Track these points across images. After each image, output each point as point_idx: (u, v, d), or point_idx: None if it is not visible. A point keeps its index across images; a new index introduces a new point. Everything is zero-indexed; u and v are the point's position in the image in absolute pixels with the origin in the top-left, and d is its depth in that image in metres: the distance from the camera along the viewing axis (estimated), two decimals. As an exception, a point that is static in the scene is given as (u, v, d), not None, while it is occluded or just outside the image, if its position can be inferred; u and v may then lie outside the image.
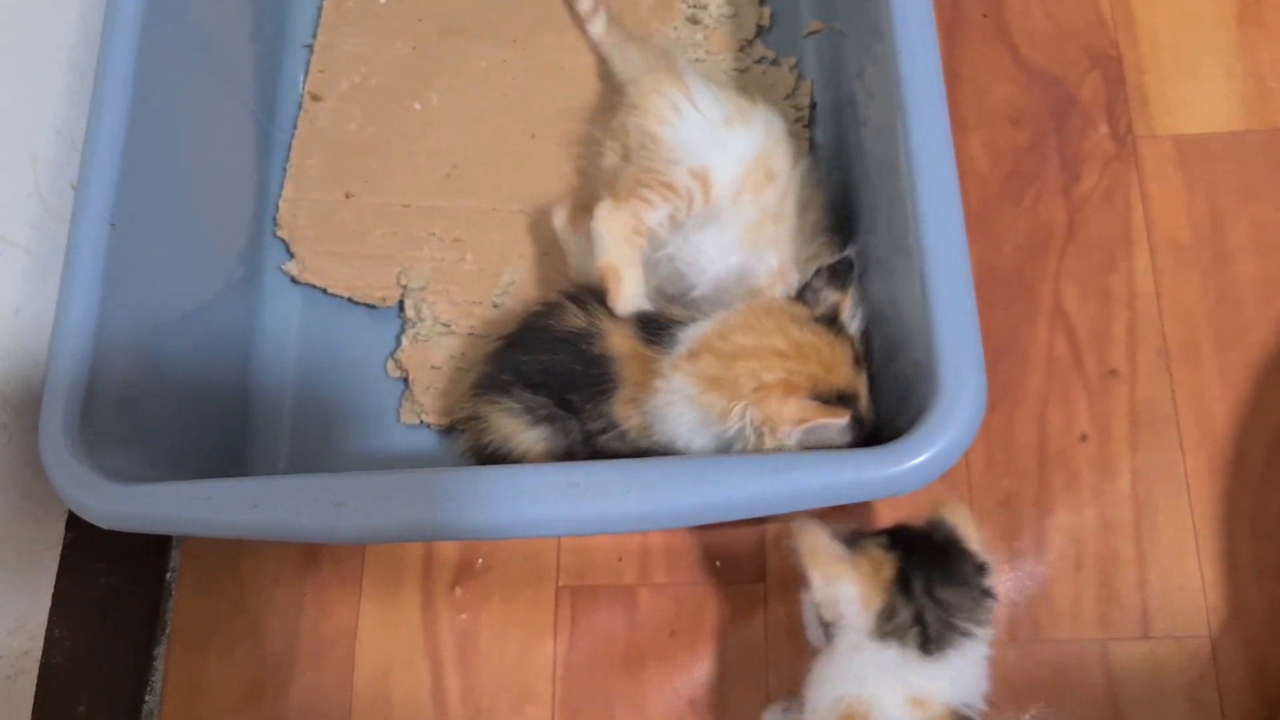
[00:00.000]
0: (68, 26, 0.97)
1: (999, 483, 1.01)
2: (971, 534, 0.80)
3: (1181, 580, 0.97)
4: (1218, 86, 1.11)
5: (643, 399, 0.89)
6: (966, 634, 0.77)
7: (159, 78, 0.97)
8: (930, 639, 0.76)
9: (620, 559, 1.02)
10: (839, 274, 0.90)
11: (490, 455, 0.93)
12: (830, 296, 0.89)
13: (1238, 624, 0.95)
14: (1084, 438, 1.02)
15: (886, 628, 0.76)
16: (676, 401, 0.86)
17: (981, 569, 0.79)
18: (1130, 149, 1.11)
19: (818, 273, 0.90)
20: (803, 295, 0.90)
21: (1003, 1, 1.17)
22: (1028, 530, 0.99)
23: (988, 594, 0.79)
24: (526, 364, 0.93)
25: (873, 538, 0.80)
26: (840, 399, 0.85)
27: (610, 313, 0.92)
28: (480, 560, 1.03)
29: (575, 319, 0.93)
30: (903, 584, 0.77)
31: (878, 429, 0.88)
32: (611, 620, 1.01)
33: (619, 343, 0.91)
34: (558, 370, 0.92)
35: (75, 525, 0.96)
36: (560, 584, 1.02)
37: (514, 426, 0.92)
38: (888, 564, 0.77)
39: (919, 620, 0.76)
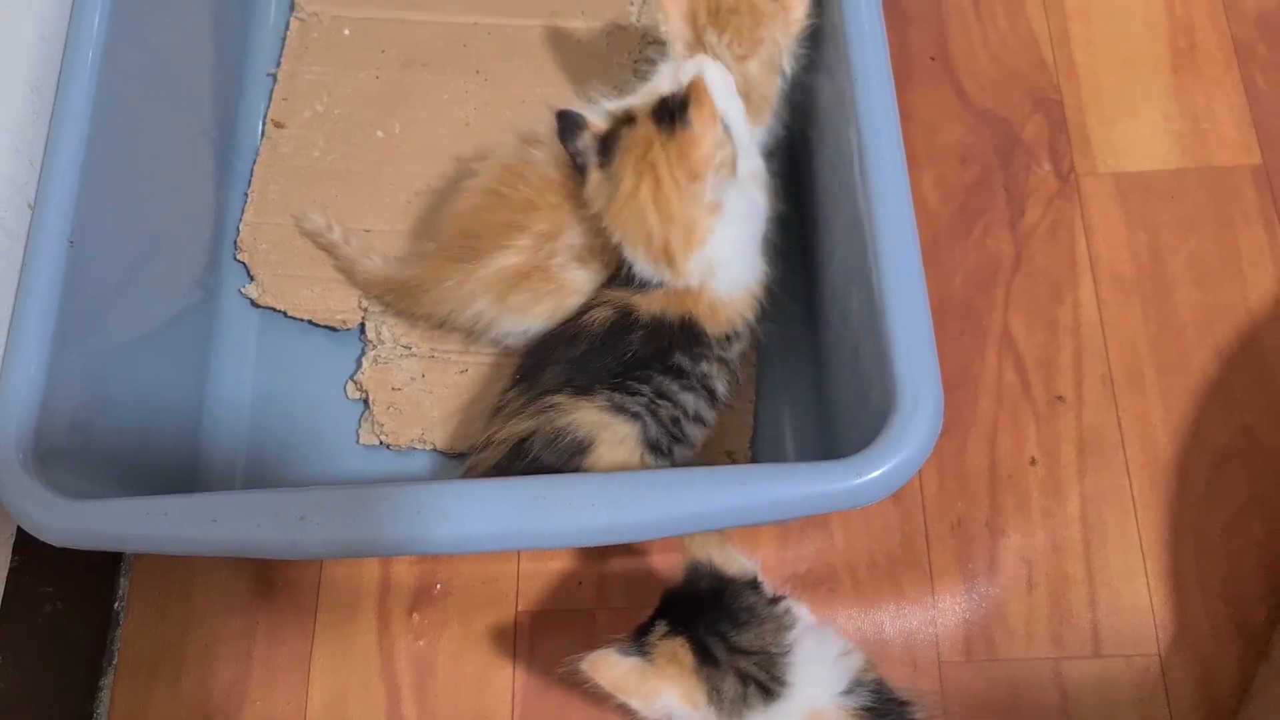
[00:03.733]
0: (28, 47, 0.96)
1: (952, 505, 1.03)
2: (726, 557, 0.79)
3: (1131, 600, 0.99)
4: (1155, 127, 1.16)
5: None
6: (786, 651, 0.76)
7: (119, 101, 0.97)
8: (767, 684, 0.75)
9: (579, 583, 1.02)
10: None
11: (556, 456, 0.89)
12: None
13: (1185, 642, 0.97)
14: (1033, 462, 1.04)
15: (726, 706, 0.74)
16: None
17: (756, 585, 0.79)
18: (1073, 185, 1.15)
19: None
20: None
21: (949, 46, 1.21)
22: (980, 552, 1.01)
23: (775, 601, 0.79)
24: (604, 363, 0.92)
25: (654, 629, 0.77)
26: None
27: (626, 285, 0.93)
28: (438, 586, 1.02)
29: (604, 313, 0.93)
30: (706, 658, 0.75)
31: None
32: (570, 644, 1.00)
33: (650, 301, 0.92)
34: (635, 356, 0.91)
35: (22, 549, 0.94)
36: (519, 609, 1.01)
37: (602, 418, 0.90)
38: (682, 650, 0.75)
39: (745, 678, 0.75)
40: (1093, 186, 1.15)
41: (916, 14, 1.23)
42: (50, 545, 0.82)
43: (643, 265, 0.91)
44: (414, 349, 1.07)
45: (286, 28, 1.23)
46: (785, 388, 1.06)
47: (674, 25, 0.97)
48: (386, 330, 1.08)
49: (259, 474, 1.06)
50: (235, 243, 1.13)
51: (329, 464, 1.05)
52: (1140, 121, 1.17)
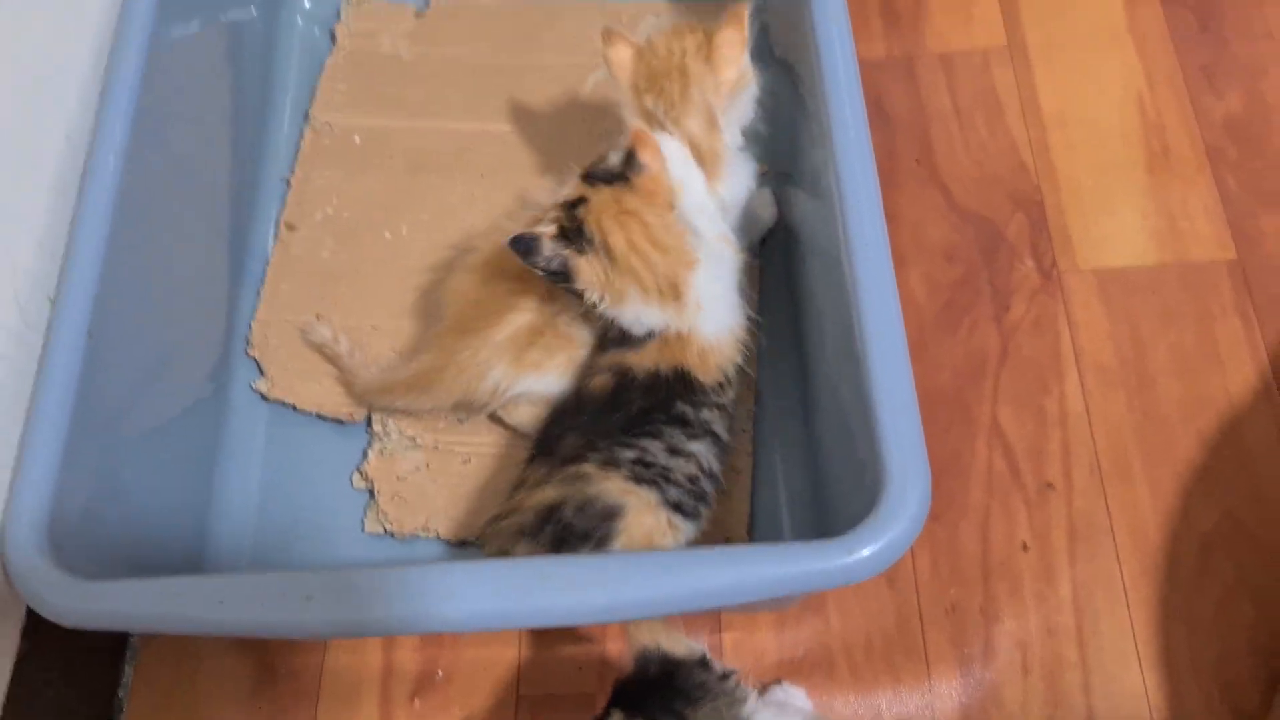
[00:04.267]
0: (55, 148, 1.01)
1: (946, 591, 1.05)
2: (672, 641, 0.81)
3: (1125, 684, 1.00)
4: (1133, 225, 1.21)
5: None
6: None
7: (139, 202, 1.02)
8: None
9: (580, 668, 1.03)
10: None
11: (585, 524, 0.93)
12: None
13: (1180, 726, 0.98)
14: (1025, 548, 1.06)
15: None
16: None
17: (705, 663, 0.80)
18: (1056, 282, 1.19)
19: None
20: None
21: (933, 149, 1.27)
22: (975, 636, 1.02)
23: (726, 676, 0.80)
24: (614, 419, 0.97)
25: (610, 716, 0.78)
26: None
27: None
28: (440, 672, 1.03)
29: (603, 379, 0.98)
30: None
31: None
32: (571, 730, 1.01)
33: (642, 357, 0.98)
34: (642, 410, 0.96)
35: (31, 634, 0.95)
36: (520, 693, 1.02)
37: (627, 486, 0.93)
38: None
39: None
40: (1075, 282, 1.19)
41: (901, 120, 1.29)
42: (58, 631, 0.84)
43: (650, 312, 0.97)
44: (418, 440, 1.10)
45: (301, 136, 1.29)
46: (782, 476, 1.09)
47: (624, 96, 1.05)
48: (392, 423, 1.11)
49: (265, 561, 1.08)
50: (247, 339, 1.17)
51: (334, 552, 1.07)
52: (1118, 220, 1.22)
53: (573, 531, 0.92)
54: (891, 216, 1.16)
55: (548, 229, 0.97)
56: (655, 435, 0.96)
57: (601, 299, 0.97)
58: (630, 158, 0.97)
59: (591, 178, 0.98)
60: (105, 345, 0.95)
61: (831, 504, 0.99)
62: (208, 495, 1.10)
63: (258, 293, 1.20)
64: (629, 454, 0.95)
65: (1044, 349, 1.16)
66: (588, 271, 0.96)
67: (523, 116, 1.28)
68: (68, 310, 0.94)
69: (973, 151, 1.27)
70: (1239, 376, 1.12)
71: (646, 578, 0.81)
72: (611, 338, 1.00)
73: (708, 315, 0.98)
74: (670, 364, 0.97)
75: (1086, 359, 1.15)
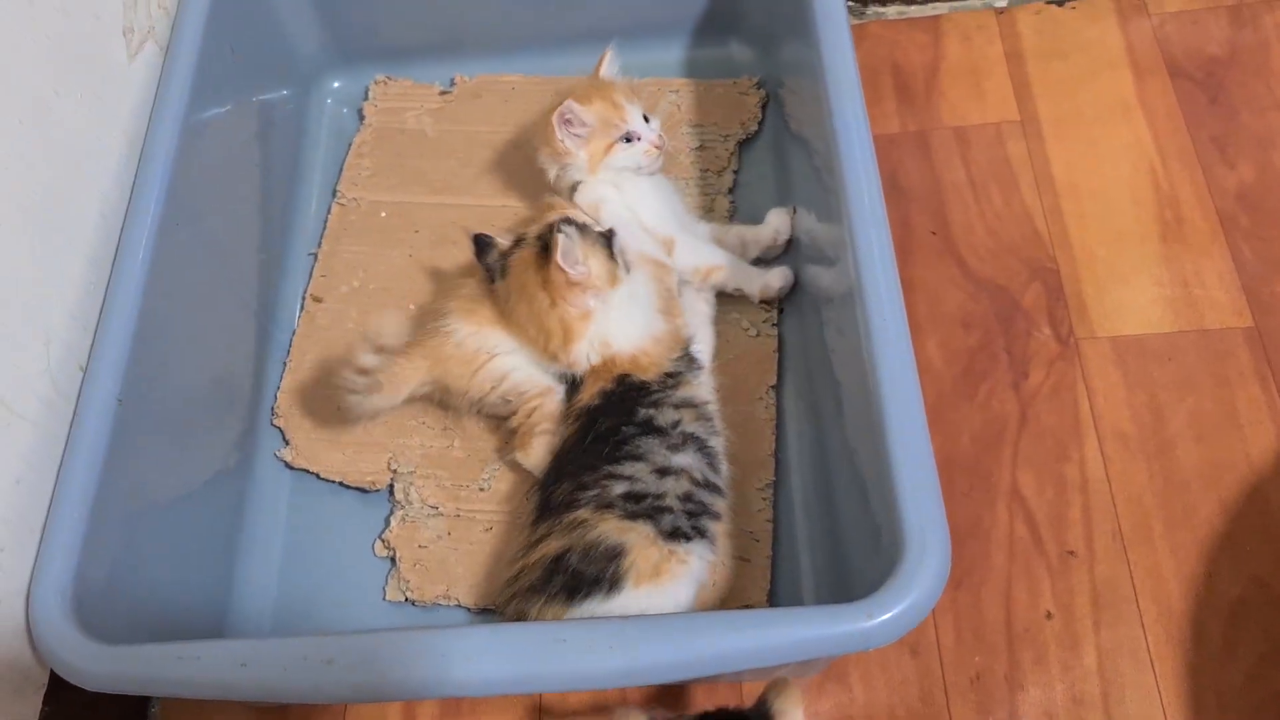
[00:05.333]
0: (90, 223, 1.04)
1: (970, 659, 1.04)
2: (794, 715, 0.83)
3: (1153, 754, 0.98)
4: (1148, 293, 1.22)
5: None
6: None
7: (170, 275, 1.05)
8: None
9: (600, 737, 1.02)
10: None
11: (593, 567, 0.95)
12: None
13: (1212, 798, 0.96)
14: (1049, 615, 1.05)
15: None
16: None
17: None
18: (1073, 349, 1.20)
19: None
20: None
21: (948, 220, 1.29)
22: (1000, 706, 1.01)
23: None
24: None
25: None
26: None
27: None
28: (459, 737, 1.03)
29: (572, 426, 1.05)
30: None
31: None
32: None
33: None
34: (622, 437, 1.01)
35: (52, 699, 0.96)
36: (539, 763, 1.01)
37: (623, 524, 0.96)
38: None
39: None
40: (1092, 350, 1.19)
41: (916, 192, 1.31)
42: (80, 695, 0.85)
43: (537, 359, 1.08)
44: (440, 508, 1.11)
45: (328, 212, 1.32)
46: (802, 543, 1.09)
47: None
48: (414, 491, 1.12)
49: (286, 627, 1.08)
50: (272, 408, 1.19)
51: (355, 619, 1.08)
52: (1134, 288, 1.22)
53: (583, 578, 0.94)
54: (908, 286, 1.19)
55: (502, 243, 1.10)
56: (637, 456, 0.99)
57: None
58: (546, 244, 1.04)
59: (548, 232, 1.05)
60: (134, 414, 0.97)
61: (852, 571, 0.99)
62: (230, 562, 1.11)
63: (284, 363, 1.22)
64: (619, 488, 0.97)
65: (1063, 416, 1.16)
66: (497, 296, 1.09)
67: (542, 192, 1.30)
68: (98, 379, 0.97)
69: (988, 222, 1.28)
70: (1260, 442, 1.12)
71: (665, 641, 0.81)
72: (569, 389, 1.09)
73: (619, 342, 1.06)
74: (610, 379, 1.05)
75: (1105, 425, 1.15)
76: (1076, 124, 1.35)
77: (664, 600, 0.94)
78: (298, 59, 1.38)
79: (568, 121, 1.14)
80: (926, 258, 1.27)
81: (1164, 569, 1.06)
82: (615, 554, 0.94)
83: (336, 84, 1.44)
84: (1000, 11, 1.45)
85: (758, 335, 1.19)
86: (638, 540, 0.95)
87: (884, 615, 0.79)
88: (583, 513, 0.97)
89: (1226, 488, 1.10)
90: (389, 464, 1.14)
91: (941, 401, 1.18)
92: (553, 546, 0.96)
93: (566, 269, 1.01)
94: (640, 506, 0.96)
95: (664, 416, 1.02)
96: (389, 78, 1.42)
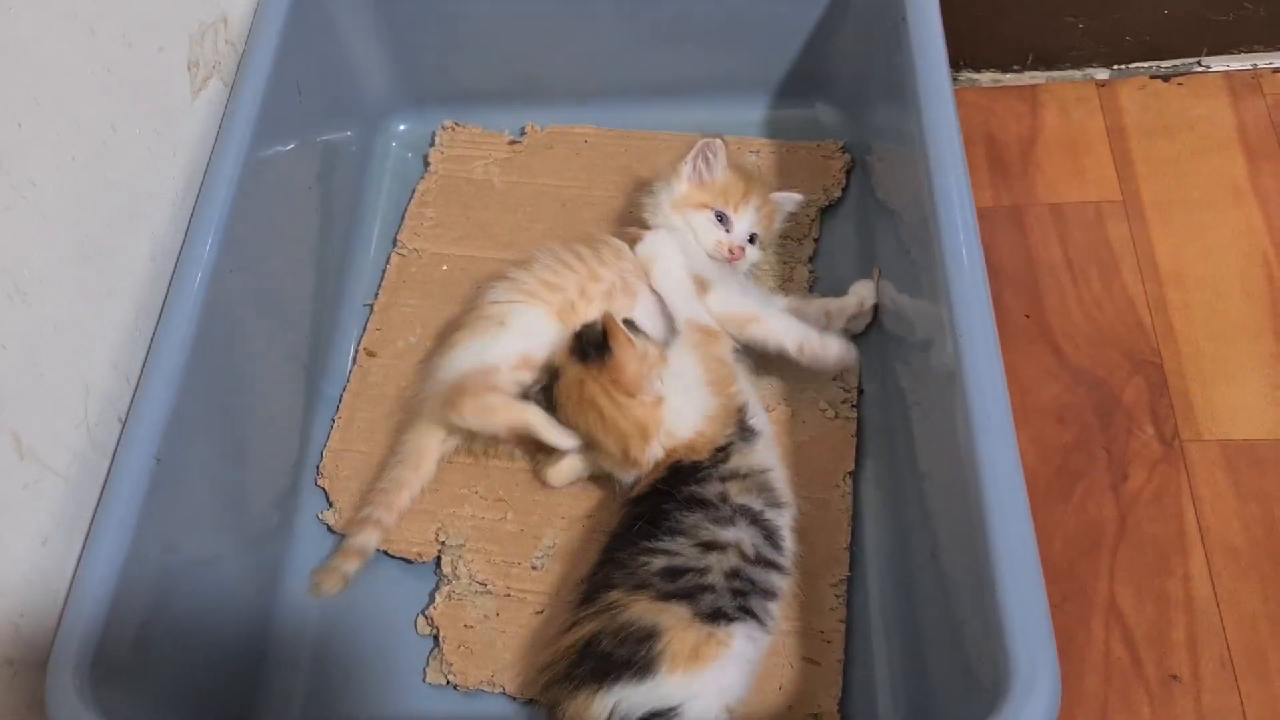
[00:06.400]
0: (139, 265, 0.99)
1: (1061, 794, 0.94)
2: None
3: None
4: (1261, 395, 1.13)
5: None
6: None
7: (220, 324, 0.99)
8: None
9: None
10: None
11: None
12: None
13: None
14: (1150, 749, 0.96)
15: None
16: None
17: None
18: (1178, 452, 1.11)
19: None
20: None
21: (1044, 303, 1.21)
22: None
23: None
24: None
25: None
26: None
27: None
28: None
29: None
30: None
31: None
32: None
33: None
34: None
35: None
36: None
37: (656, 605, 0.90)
38: None
39: None
40: (1198, 453, 1.10)
41: (1010, 272, 1.23)
42: (95, 781, 0.78)
43: (620, 474, 1.01)
44: (490, 586, 1.04)
45: (387, 261, 1.26)
46: (879, 647, 1.00)
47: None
48: (463, 566, 1.04)
49: (317, 705, 1.01)
50: (318, 468, 1.13)
51: (392, 701, 1.00)
52: (1245, 389, 1.13)
53: (612, 661, 0.87)
54: (999, 373, 1.11)
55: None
56: (680, 531, 0.92)
57: None
58: (601, 342, 0.99)
59: (579, 342, 1.01)
60: (171, 473, 0.91)
61: (935, 689, 0.90)
62: (264, 629, 1.05)
63: (332, 420, 1.16)
64: (656, 563, 0.91)
65: (1166, 525, 1.07)
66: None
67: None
68: (137, 435, 0.91)
69: (1086, 307, 1.20)
70: (1389, 567, 1.03)
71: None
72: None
73: (679, 429, 0.99)
74: (664, 467, 0.99)
75: (1213, 538, 1.05)
76: (1183, 207, 1.27)
77: (706, 685, 0.87)
78: (364, 99, 1.33)
79: (708, 156, 1.10)
80: (1019, 343, 1.19)
81: (1280, 705, 0.97)
82: (649, 635, 0.87)
83: (402, 127, 1.38)
84: (1102, 84, 1.37)
85: (835, 417, 1.11)
86: (673, 622, 0.88)
87: (987, 758, 0.71)
88: (616, 594, 0.91)
89: (1352, 617, 1.00)
90: (437, 534, 1.07)
91: (1033, 501, 1.05)
92: (585, 630, 0.90)
93: (627, 353, 0.98)
94: (678, 585, 0.90)
95: (709, 490, 0.95)
96: (457, 123, 1.36)
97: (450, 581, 1.04)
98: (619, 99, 1.33)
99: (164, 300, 0.98)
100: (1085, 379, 1.16)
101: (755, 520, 0.94)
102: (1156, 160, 1.30)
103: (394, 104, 1.36)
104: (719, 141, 1.11)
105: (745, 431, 1.00)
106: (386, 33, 1.28)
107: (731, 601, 0.90)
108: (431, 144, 1.35)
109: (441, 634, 1.02)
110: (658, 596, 0.89)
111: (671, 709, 0.85)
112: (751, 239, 1.12)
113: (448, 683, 1.00)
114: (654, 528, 0.93)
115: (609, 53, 1.30)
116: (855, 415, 1.11)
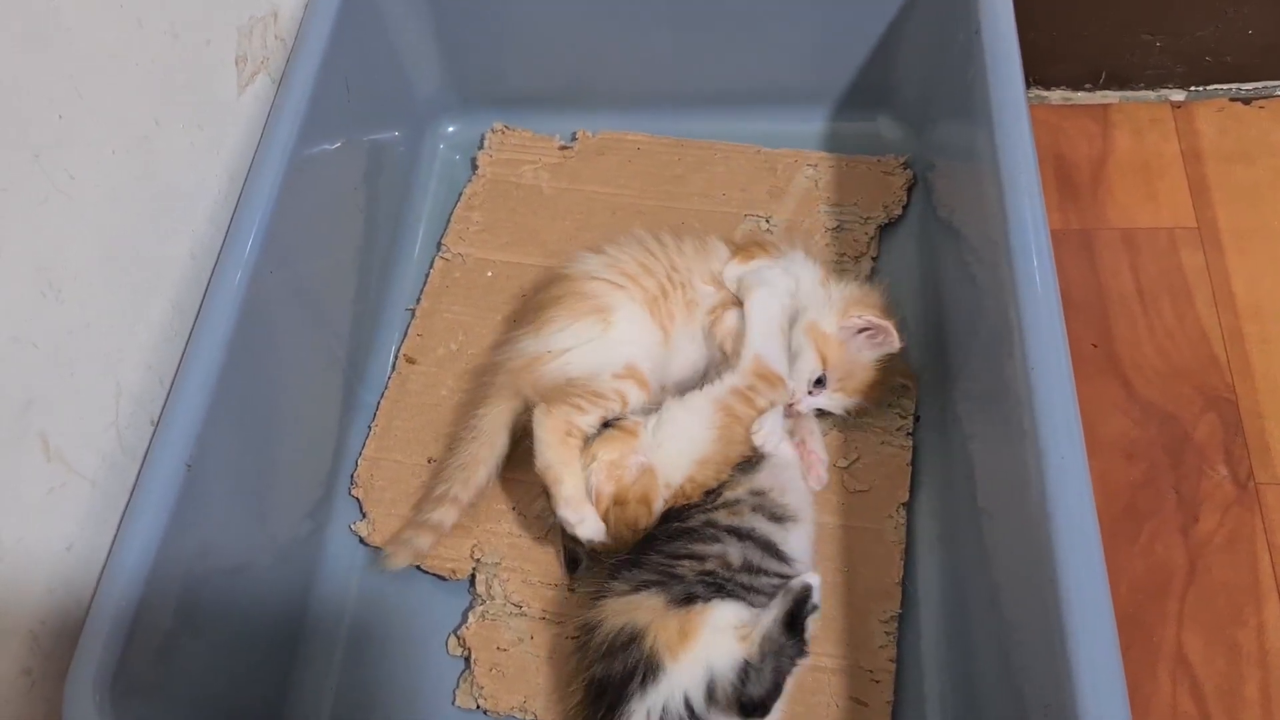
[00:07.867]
0: (178, 264, 0.96)
1: None
2: None
3: None
4: (1344, 439, 1.07)
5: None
6: None
7: (258, 325, 0.96)
8: None
9: None
10: None
11: None
12: None
13: None
14: (1219, 813, 0.90)
15: None
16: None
17: None
18: (1253, 495, 1.05)
19: None
20: None
21: (1112, 334, 1.15)
22: None
23: None
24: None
25: None
26: None
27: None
28: None
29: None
30: None
31: None
32: None
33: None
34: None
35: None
36: None
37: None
38: None
39: None
40: (1274, 498, 1.05)
41: (1076, 297, 1.18)
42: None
43: None
44: (525, 608, 1.00)
45: (430, 266, 1.23)
46: (930, 691, 0.95)
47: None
48: (498, 585, 1.01)
49: (344, 723, 0.98)
50: (352, 477, 1.09)
51: (419, 726, 0.97)
52: (1326, 431, 1.08)
53: (616, 680, 0.85)
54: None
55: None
56: (654, 550, 0.92)
57: None
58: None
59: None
60: (202, 479, 0.88)
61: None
62: (292, 643, 1.02)
63: (369, 428, 1.12)
64: (628, 574, 0.91)
65: (1239, 572, 1.01)
66: None
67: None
68: (169, 440, 0.88)
69: (1157, 339, 1.14)
70: None
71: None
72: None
73: (668, 467, 0.96)
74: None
75: (1290, 589, 1.00)
76: (1263, 236, 1.21)
77: (711, 652, 0.84)
78: (414, 99, 1.29)
79: (878, 340, 1.01)
80: (1086, 373, 1.13)
81: (1360, 772, 0.91)
82: (632, 638, 0.85)
83: (451, 128, 1.35)
84: (1177, 105, 1.32)
85: (889, 444, 1.06)
86: (649, 616, 0.86)
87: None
88: (589, 614, 0.90)
89: None
90: (472, 551, 1.03)
91: (1097, 541, 1.03)
92: (582, 672, 0.89)
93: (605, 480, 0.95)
94: (646, 578, 0.89)
95: (694, 520, 0.93)
96: (507, 126, 1.32)
97: (484, 601, 1.01)
98: (673, 107, 1.29)
99: (202, 300, 0.95)
100: (1155, 414, 1.10)
101: (746, 537, 0.92)
102: (1234, 186, 1.24)
103: (443, 105, 1.33)
104: (897, 339, 1.00)
105: (744, 464, 0.98)
106: (438, 32, 1.24)
107: (705, 590, 0.87)
108: (480, 147, 1.31)
109: (473, 656, 0.98)
110: (626, 592, 0.88)
111: (709, 682, 0.83)
112: (820, 380, 1.02)
113: (477, 707, 0.97)
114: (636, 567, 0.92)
115: (664, 59, 1.26)
116: (910, 444, 1.06)
